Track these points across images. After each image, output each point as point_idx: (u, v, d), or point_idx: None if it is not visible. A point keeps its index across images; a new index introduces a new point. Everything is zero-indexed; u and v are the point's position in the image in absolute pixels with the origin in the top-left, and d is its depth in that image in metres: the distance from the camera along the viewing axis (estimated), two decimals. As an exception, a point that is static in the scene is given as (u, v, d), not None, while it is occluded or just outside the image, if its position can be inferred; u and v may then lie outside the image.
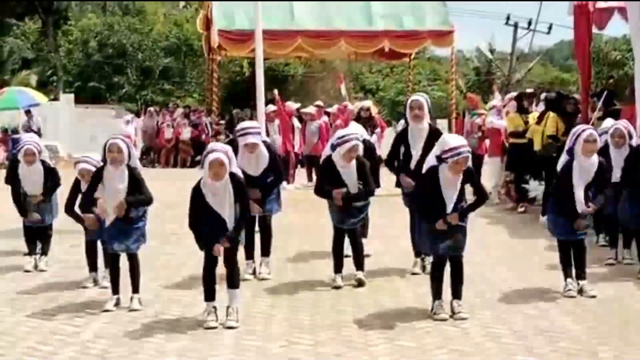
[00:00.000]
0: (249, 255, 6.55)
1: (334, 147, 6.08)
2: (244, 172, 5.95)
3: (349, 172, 6.03)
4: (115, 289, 5.59)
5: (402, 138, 6.46)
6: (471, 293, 5.76)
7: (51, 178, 6.89)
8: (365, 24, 17.92)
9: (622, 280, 6.36)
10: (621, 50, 20.22)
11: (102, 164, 5.62)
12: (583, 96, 10.81)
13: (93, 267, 6.29)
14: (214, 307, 5.13)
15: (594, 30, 10.85)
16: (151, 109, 21.97)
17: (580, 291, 5.79)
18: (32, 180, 6.85)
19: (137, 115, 22.54)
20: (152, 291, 6.03)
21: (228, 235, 5.03)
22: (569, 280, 5.85)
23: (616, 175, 6.58)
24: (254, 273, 6.52)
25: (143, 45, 29.47)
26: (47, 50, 31.23)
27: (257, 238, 6.63)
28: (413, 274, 6.56)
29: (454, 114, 18.71)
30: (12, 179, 6.93)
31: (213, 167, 4.94)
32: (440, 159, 5.14)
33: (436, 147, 5.26)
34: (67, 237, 7.77)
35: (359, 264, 6.24)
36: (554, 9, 26.66)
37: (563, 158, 5.81)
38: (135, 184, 5.43)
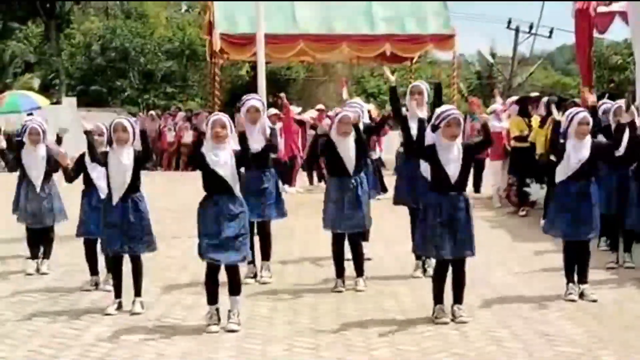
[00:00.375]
0: (250, 260, 6.55)
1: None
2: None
3: (346, 148, 6.08)
4: (118, 293, 5.61)
5: (403, 123, 6.46)
6: (472, 296, 5.76)
7: (53, 168, 6.90)
8: (367, 28, 17.94)
9: (623, 284, 6.36)
10: (622, 55, 20.21)
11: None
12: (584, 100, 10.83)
13: (94, 270, 6.30)
14: (217, 309, 5.14)
15: (595, 34, 10.87)
16: (152, 112, 22.01)
17: (582, 295, 5.80)
18: (35, 162, 6.82)
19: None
20: (153, 294, 6.05)
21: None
22: (570, 285, 5.85)
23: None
24: (254, 277, 6.53)
25: (145, 49, 29.51)
26: (49, 53, 31.28)
27: (257, 242, 6.64)
28: (414, 277, 6.57)
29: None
30: (17, 162, 6.92)
31: (216, 127, 5.01)
32: (435, 128, 5.22)
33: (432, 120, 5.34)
34: (69, 240, 7.79)
35: (359, 270, 6.24)
36: (555, 12, 26.65)
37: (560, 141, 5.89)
38: (140, 161, 5.51)
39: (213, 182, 5.07)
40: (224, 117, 5.14)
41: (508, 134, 11.50)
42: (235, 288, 5.17)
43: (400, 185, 6.72)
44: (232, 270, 5.15)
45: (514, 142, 10.61)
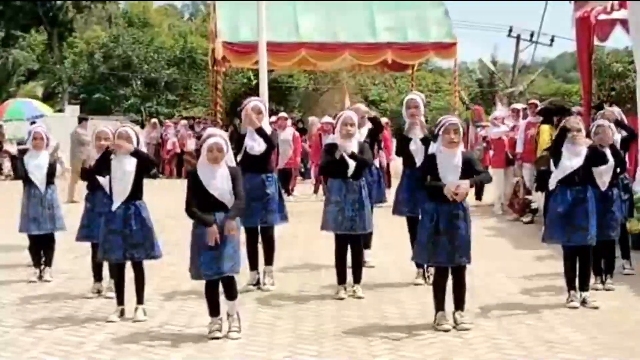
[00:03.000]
0: (253, 266, 6.57)
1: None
2: (247, 154, 6.12)
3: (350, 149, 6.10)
4: (120, 300, 5.62)
5: (402, 134, 6.59)
6: (474, 304, 5.77)
7: (53, 174, 6.98)
8: (369, 37, 18.01)
9: (625, 291, 6.37)
10: (623, 62, 20.19)
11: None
12: (585, 108, 10.85)
13: (98, 277, 6.32)
14: (220, 320, 5.14)
15: (596, 42, 10.89)
16: (155, 120, 22.07)
17: (583, 302, 5.80)
18: (39, 167, 6.90)
19: (142, 126, 22.63)
20: (156, 302, 6.06)
21: (228, 216, 4.95)
22: (572, 292, 5.86)
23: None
24: (257, 284, 6.53)
25: (148, 57, 29.61)
26: (52, 62, 31.40)
27: (260, 249, 6.66)
28: (416, 284, 6.58)
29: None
30: (21, 168, 6.99)
31: (212, 152, 4.99)
32: (435, 136, 5.26)
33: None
34: (72, 248, 7.81)
35: (357, 277, 6.25)
36: (556, 21, 26.73)
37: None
38: (143, 164, 5.52)
39: (208, 202, 5.02)
40: (221, 140, 5.04)
41: (510, 142, 11.52)
42: (231, 294, 5.13)
43: (400, 194, 6.72)
44: (228, 279, 5.11)
45: (546, 152, 10.15)
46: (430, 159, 5.27)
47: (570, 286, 5.87)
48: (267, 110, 6.66)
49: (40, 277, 6.90)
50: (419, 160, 6.22)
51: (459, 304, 5.28)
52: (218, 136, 5.08)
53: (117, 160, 5.50)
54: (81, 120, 15.71)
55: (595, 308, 5.74)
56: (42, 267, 6.98)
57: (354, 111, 6.55)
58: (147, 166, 5.63)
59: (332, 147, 6.16)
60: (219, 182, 5.02)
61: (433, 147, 5.36)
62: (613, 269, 6.53)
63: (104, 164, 5.57)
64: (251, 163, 6.26)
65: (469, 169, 5.22)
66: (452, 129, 5.16)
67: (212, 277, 5.03)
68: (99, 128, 6.19)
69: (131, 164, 5.47)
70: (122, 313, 5.57)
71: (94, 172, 5.81)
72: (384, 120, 14.57)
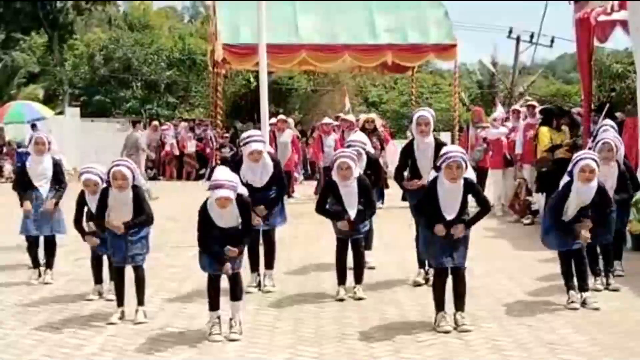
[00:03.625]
0: (254, 268, 6.57)
1: (330, 169, 6.17)
2: (248, 185, 6.01)
3: (349, 192, 6.06)
4: (120, 302, 5.62)
5: (409, 152, 6.51)
6: (475, 305, 5.77)
7: (60, 172, 6.97)
8: (369, 38, 18.01)
9: (626, 292, 6.36)
10: (623, 63, 20.21)
11: (106, 181, 5.64)
12: (585, 109, 10.85)
13: (98, 279, 6.32)
14: (218, 317, 5.15)
15: (596, 43, 10.88)
16: (155, 123, 22.08)
17: (584, 303, 5.80)
18: (42, 171, 6.90)
19: (143, 127, 22.59)
20: (157, 304, 6.06)
21: (235, 249, 5.06)
22: (571, 292, 5.86)
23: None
24: (258, 286, 6.54)
25: (149, 59, 29.62)
26: (53, 64, 31.42)
27: (261, 251, 6.66)
28: (416, 284, 6.57)
29: (457, 126, 18.81)
30: (22, 175, 6.99)
31: (220, 201, 4.99)
32: (437, 168, 5.24)
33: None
34: (73, 250, 7.82)
35: (358, 277, 6.26)
36: (556, 22, 26.74)
37: (565, 177, 5.85)
38: (138, 203, 5.50)
39: (221, 237, 5.08)
40: (230, 193, 4.94)
41: (510, 143, 11.53)
42: (236, 293, 5.17)
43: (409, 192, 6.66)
44: (234, 275, 5.16)
45: (546, 153, 9.75)
46: (432, 185, 5.24)
47: (569, 287, 5.87)
48: (265, 145, 6.55)
49: (39, 275, 6.89)
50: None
51: (460, 305, 5.28)
52: (226, 189, 4.95)
53: (114, 196, 5.49)
54: (135, 123, 15.99)
55: (596, 309, 5.73)
56: (43, 269, 6.98)
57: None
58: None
59: (331, 185, 6.09)
60: (227, 219, 5.07)
61: (433, 175, 5.32)
62: (612, 268, 6.52)
63: (83, 205, 5.87)
64: (252, 191, 6.17)
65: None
66: (455, 165, 5.12)
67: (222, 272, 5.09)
68: (85, 175, 5.94)
69: (127, 202, 5.49)
70: (122, 315, 5.57)
71: (97, 216, 5.71)
72: (379, 122, 14.61)
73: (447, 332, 5.15)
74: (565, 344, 4.95)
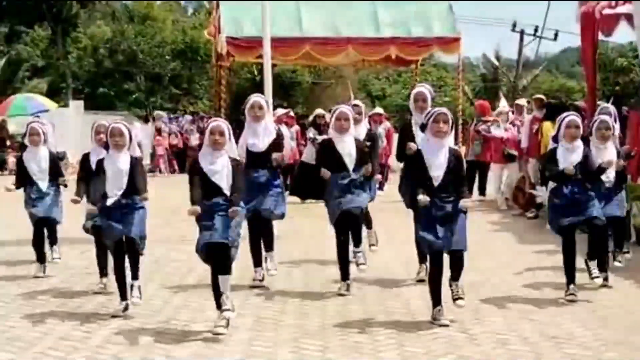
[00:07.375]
0: (257, 263, 6.57)
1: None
2: (250, 152, 6.09)
3: (346, 147, 6.02)
4: (123, 295, 5.62)
5: (407, 130, 6.37)
6: (479, 299, 5.77)
7: (57, 166, 6.92)
8: (372, 32, 17.98)
9: (628, 286, 6.36)
10: (627, 57, 20.15)
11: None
12: (590, 103, 10.82)
13: (103, 272, 6.33)
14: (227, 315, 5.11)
15: (600, 37, 10.85)
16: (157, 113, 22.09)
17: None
18: (37, 163, 6.80)
19: (146, 121, 22.63)
20: (161, 297, 6.08)
21: (235, 208, 4.96)
22: (571, 286, 5.85)
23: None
24: (262, 279, 6.53)
25: (153, 52, 29.62)
26: (56, 57, 31.43)
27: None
28: (418, 280, 6.57)
29: (460, 120, 18.80)
30: (20, 167, 6.94)
31: (214, 134, 5.02)
32: (423, 127, 5.24)
33: None
34: (77, 243, 7.83)
35: (357, 241, 6.19)
36: (560, 15, 26.64)
37: (551, 143, 5.89)
38: (133, 175, 5.46)
39: (209, 189, 5.03)
40: (223, 124, 5.13)
41: (512, 140, 11.56)
42: (223, 267, 5.05)
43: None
44: (220, 250, 5.02)
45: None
46: (417, 155, 5.22)
47: (570, 279, 5.85)
48: (270, 106, 6.63)
49: (48, 261, 6.88)
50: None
51: (455, 277, 5.22)
52: (220, 121, 5.19)
53: (111, 158, 5.47)
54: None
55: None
56: (49, 251, 6.92)
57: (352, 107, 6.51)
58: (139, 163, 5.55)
59: (327, 142, 6.14)
60: (218, 166, 5.05)
61: (420, 137, 5.33)
62: (622, 247, 6.52)
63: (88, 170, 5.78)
64: (253, 159, 6.23)
65: (457, 165, 5.16)
66: (441, 118, 5.12)
67: (210, 240, 5.00)
68: (98, 122, 6.17)
69: (125, 162, 5.46)
70: (126, 308, 5.58)
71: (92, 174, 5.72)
72: (379, 109, 14.60)
73: (444, 325, 5.13)
74: (570, 338, 4.96)
